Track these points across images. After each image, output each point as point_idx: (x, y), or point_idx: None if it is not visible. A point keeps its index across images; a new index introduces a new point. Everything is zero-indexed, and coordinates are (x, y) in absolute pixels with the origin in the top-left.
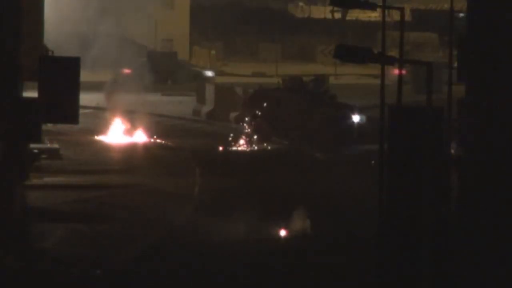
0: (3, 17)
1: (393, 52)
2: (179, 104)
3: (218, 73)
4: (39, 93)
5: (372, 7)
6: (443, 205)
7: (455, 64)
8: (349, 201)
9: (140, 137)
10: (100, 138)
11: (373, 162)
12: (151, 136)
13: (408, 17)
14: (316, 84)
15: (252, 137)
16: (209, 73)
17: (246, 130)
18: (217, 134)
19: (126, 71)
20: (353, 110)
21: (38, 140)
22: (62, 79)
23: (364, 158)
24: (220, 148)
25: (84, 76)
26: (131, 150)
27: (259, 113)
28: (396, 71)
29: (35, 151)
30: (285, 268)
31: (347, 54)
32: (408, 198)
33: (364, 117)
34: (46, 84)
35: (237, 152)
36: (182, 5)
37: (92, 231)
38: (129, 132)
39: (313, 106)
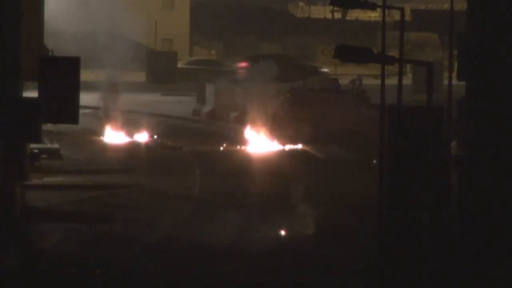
0: (3, 17)
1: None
2: (179, 104)
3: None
4: (39, 93)
5: (372, 7)
6: (443, 206)
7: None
8: (348, 201)
9: (140, 137)
10: (100, 138)
11: (374, 162)
12: (151, 136)
13: (408, 17)
14: (355, 84)
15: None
16: (324, 70)
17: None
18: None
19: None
20: None
21: (38, 140)
22: (62, 79)
23: (365, 158)
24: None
25: (84, 76)
26: (131, 150)
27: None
28: None
29: (35, 151)
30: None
31: (347, 54)
32: (408, 199)
33: None
34: (46, 84)
35: (242, 152)
36: (182, 5)
37: (92, 231)
38: (129, 132)
39: (360, 108)
